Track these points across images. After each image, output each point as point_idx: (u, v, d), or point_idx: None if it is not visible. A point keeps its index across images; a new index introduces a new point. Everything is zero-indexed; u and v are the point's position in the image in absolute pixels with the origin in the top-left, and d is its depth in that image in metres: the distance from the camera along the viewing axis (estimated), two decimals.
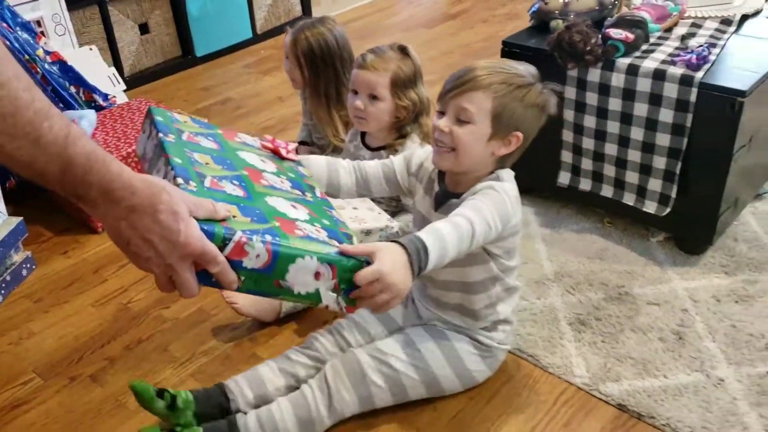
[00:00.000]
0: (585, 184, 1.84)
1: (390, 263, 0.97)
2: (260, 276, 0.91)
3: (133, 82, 2.92)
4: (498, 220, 1.17)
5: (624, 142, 1.71)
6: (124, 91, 2.63)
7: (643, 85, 1.63)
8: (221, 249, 0.85)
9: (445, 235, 1.08)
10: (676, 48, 1.71)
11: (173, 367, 1.51)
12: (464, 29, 3.42)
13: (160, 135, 1.03)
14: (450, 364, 1.34)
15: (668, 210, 1.70)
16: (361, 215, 1.60)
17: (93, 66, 2.53)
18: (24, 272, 1.82)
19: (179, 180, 0.93)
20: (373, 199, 1.68)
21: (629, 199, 1.77)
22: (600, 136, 1.74)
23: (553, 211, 1.96)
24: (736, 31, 1.83)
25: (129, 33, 2.94)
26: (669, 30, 1.82)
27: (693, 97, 1.57)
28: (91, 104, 2.31)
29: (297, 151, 1.27)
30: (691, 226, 1.73)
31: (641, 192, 1.75)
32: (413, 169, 1.36)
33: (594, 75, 1.69)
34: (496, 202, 1.19)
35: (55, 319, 1.68)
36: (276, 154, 1.21)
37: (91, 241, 1.96)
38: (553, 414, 1.36)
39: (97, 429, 1.37)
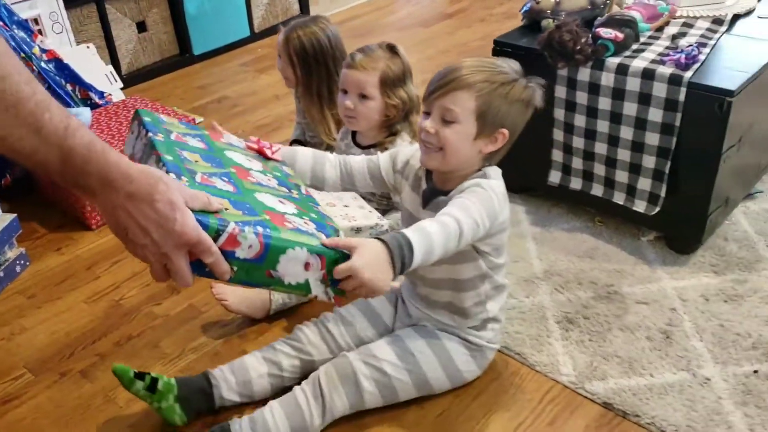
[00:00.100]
0: (575, 183, 1.84)
1: (366, 260, 0.99)
2: (252, 266, 0.93)
3: (130, 80, 2.93)
4: (486, 218, 1.18)
5: (614, 141, 1.71)
6: (122, 89, 2.65)
7: (633, 84, 1.63)
8: (215, 239, 0.88)
9: (431, 233, 1.09)
10: (667, 47, 1.72)
11: (163, 363, 1.52)
12: (461, 28, 3.43)
13: (150, 134, 1.06)
14: (442, 366, 1.35)
15: (657, 209, 1.71)
16: (352, 213, 1.61)
17: (90, 64, 2.55)
18: (18, 268, 1.84)
19: (171, 176, 0.95)
20: (363, 197, 1.69)
21: (619, 198, 1.78)
22: (590, 135, 1.75)
23: (544, 210, 1.97)
24: (728, 30, 1.83)
25: (126, 31, 2.95)
26: (660, 29, 1.82)
27: (682, 97, 1.58)
28: (86, 102, 2.32)
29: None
30: (680, 225, 1.73)
31: (631, 191, 1.75)
32: (399, 166, 1.37)
33: (584, 74, 1.69)
34: (483, 200, 1.19)
35: (48, 315, 1.69)
36: (261, 154, 1.23)
37: (85, 238, 1.98)
38: (539, 412, 1.36)
39: (87, 424, 1.39)
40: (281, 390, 1.36)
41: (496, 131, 1.22)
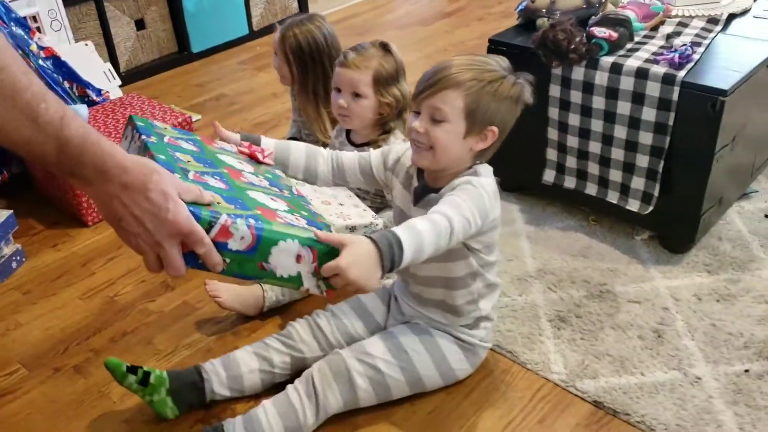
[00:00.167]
0: (570, 182, 1.85)
1: (353, 258, 1.00)
2: (244, 258, 0.95)
3: (128, 77, 2.94)
4: (477, 216, 1.18)
5: (607, 140, 1.72)
6: (120, 86, 2.65)
7: (626, 83, 1.63)
8: (207, 231, 0.89)
9: (421, 231, 1.09)
10: (661, 47, 1.72)
11: (156, 359, 1.53)
12: (460, 27, 3.43)
13: (143, 137, 1.07)
14: (435, 364, 1.35)
15: (651, 208, 1.71)
16: (347, 212, 1.61)
17: (89, 62, 2.55)
18: (14, 264, 1.85)
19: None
20: (358, 195, 1.69)
21: (613, 197, 1.78)
22: (584, 134, 1.75)
23: (539, 209, 1.97)
24: (723, 30, 1.83)
25: (125, 29, 2.95)
26: (655, 29, 1.82)
27: (675, 96, 1.58)
28: (84, 99, 2.33)
29: None
30: (674, 224, 1.74)
31: (624, 190, 1.75)
32: (390, 164, 1.37)
33: (578, 73, 1.70)
34: (474, 198, 1.20)
35: (43, 311, 1.70)
36: (253, 158, 1.25)
37: (81, 234, 1.99)
38: (529, 410, 1.37)
39: (80, 419, 1.39)
40: (272, 385, 1.37)
41: (485, 129, 1.23)
